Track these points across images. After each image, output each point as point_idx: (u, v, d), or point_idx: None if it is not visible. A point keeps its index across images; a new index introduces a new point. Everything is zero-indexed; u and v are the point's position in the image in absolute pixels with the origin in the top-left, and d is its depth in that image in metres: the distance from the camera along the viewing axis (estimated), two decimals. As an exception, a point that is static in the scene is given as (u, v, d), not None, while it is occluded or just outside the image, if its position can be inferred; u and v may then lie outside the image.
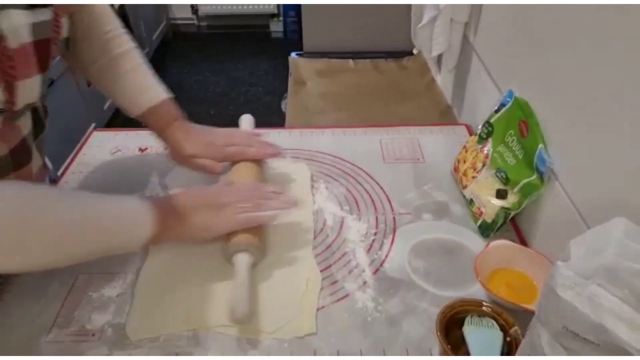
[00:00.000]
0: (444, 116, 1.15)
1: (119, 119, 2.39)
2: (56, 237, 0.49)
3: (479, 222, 0.72)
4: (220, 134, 0.78)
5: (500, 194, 0.70)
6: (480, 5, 0.95)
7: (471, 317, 0.54)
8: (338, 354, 0.56)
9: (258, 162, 0.77)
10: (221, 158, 0.75)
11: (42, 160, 0.66)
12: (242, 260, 0.63)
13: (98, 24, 0.69)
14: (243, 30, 3.42)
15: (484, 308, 0.55)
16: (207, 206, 0.63)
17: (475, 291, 0.62)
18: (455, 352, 0.51)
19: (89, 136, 0.95)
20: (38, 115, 0.63)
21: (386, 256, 0.68)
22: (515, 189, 0.68)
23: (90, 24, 0.69)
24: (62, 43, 0.58)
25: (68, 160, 0.89)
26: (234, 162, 0.76)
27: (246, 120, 0.87)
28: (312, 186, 0.81)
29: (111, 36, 0.70)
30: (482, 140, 0.78)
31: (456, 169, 0.81)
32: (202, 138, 0.75)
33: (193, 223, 0.61)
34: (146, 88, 0.73)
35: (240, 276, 0.60)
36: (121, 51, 0.70)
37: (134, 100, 0.72)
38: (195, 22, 3.46)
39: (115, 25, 0.71)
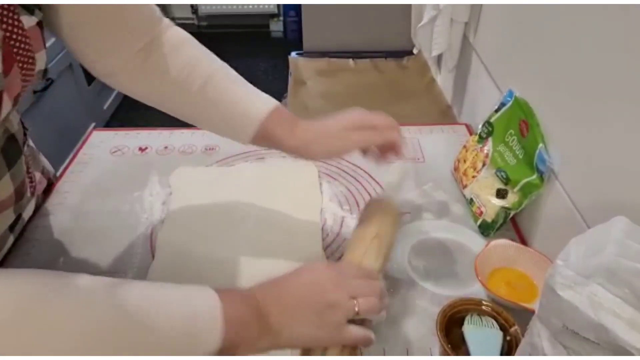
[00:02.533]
0: (444, 116, 1.15)
1: (119, 119, 2.39)
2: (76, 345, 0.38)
3: (479, 222, 0.72)
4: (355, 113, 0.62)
5: (501, 194, 0.70)
6: (480, 5, 0.95)
7: (471, 316, 0.54)
8: (338, 354, 0.56)
9: (395, 217, 0.63)
10: (377, 138, 0.60)
11: (13, 191, 0.59)
12: None
13: (172, 59, 0.58)
14: (243, 30, 3.41)
15: (484, 307, 0.55)
16: (309, 308, 0.48)
17: (475, 290, 0.62)
18: (456, 352, 0.51)
19: (88, 136, 0.95)
20: (13, 142, 0.58)
21: (386, 256, 0.68)
22: (516, 189, 0.68)
23: (163, 65, 0.58)
24: (39, 74, 0.52)
25: (67, 160, 0.88)
26: (365, 216, 0.62)
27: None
28: (321, 184, 0.81)
29: (190, 68, 0.59)
30: (482, 139, 0.78)
31: (456, 169, 0.81)
32: (339, 118, 0.61)
33: (288, 331, 0.47)
34: (252, 102, 0.60)
35: None
36: (205, 78, 0.58)
37: (243, 120, 0.59)
38: (195, 21, 3.45)
39: (191, 53, 0.60)
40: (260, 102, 0.60)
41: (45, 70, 0.55)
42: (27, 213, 0.71)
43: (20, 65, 0.49)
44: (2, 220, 0.62)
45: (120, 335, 0.40)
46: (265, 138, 0.59)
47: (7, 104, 0.49)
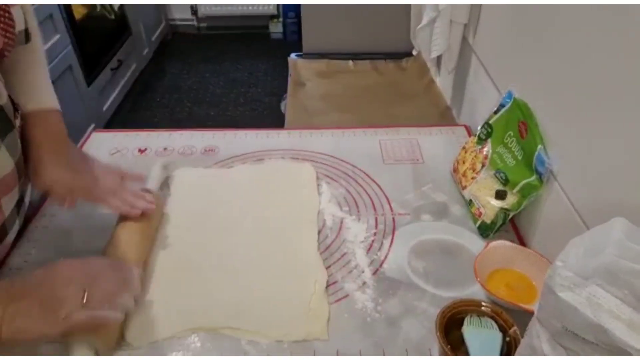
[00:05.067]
0: (443, 117, 1.15)
1: (118, 120, 2.39)
2: None
3: (478, 223, 0.72)
4: (101, 174, 0.65)
5: (500, 195, 0.70)
6: (480, 6, 0.95)
7: (470, 317, 0.54)
8: (338, 354, 0.57)
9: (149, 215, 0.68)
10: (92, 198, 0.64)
11: (14, 165, 0.61)
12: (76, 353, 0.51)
13: None
14: (242, 31, 3.41)
15: (483, 308, 0.55)
16: (35, 302, 0.48)
17: (474, 291, 0.63)
18: (455, 352, 0.51)
19: (88, 137, 0.95)
20: (2, 113, 0.59)
21: (385, 257, 0.69)
22: (515, 190, 0.68)
23: None
24: (21, 35, 0.54)
25: (67, 161, 0.88)
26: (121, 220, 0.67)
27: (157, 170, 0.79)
28: (319, 186, 0.81)
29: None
30: (481, 141, 0.78)
31: (455, 170, 0.81)
32: (74, 165, 0.64)
33: (7, 330, 0.47)
34: (36, 88, 0.63)
35: None
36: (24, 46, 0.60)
37: (18, 98, 0.62)
38: (195, 22, 3.45)
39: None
40: (45, 97, 0.63)
41: (27, 32, 0.56)
42: (27, 197, 0.71)
43: None
44: (10, 199, 0.62)
45: None
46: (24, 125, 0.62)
47: None
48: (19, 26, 0.53)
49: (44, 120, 0.62)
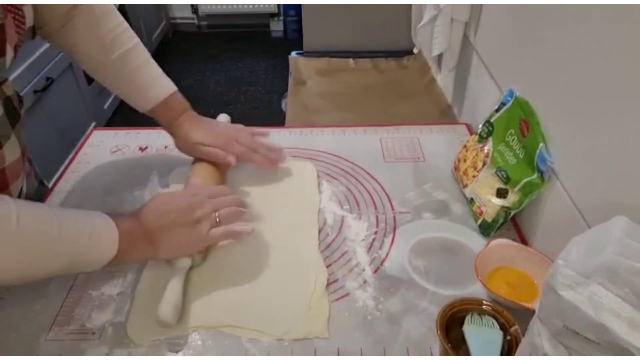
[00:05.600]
0: (445, 115, 1.15)
1: (119, 118, 2.39)
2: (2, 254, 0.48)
3: (479, 221, 0.72)
4: (229, 128, 0.80)
5: (501, 193, 0.70)
6: (481, 5, 0.95)
7: (471, 316, 0.54)
8: (338, 353, 0.57)
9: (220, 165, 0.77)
10: (228, 151, 0.75)
11: (20, 153, 0.64)
12: (181, 263, 0.62)
13: (99, 23, 0.68)
14: (243, 30, 3.42)
15: (484, 307, 0.55)
16: (180, 223, 0.60)
17: (475, 290, 0.63)
18: (456, 351, 0.51)
19: (89, 135, 0.95)
20: (10, 103, 0.62)
21: (386, 255, 0.69)
22: (516, 188, 0.68)
23: (91, 23, 0.68)
24: (29, 31, 0.57)
25: (68, 160, 0.89)
26: (196, 161, 0.78)
27: (223, 119, 0.88)
28: (319, 184, 0.81)
29: (114, 35, 0.69)
30: (482, 139, 0.78)
31: (456, 168, 0.81)
32: (210, 127, 0.77)
33: (167, 244, 0.60)
34: (153, 84, 0.73)
35: (174, 280, 0.60)
36: (125, 50, 0.70)
37: (142, 96, 0.73)
38: (195, 21, 3.46)
39: (117, 22, 0.70)
40: (162, 88, 0.74)
41: (34, 29, 0.59)
42: (25, 188, 0.72)
43: (13, 15, 0.52)
44: (16, 186, 0.64)
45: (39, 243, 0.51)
46: (153, 115, 0.75)
47: (10, 51, 0.52)
48: (29, 23, 0.55)
49: (169, 105, 0.74)
